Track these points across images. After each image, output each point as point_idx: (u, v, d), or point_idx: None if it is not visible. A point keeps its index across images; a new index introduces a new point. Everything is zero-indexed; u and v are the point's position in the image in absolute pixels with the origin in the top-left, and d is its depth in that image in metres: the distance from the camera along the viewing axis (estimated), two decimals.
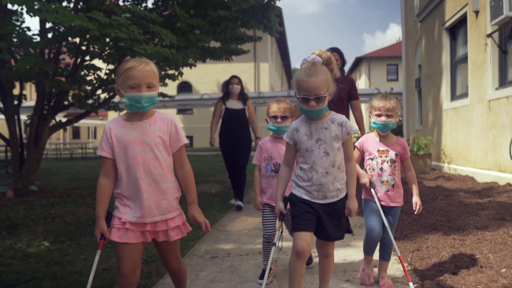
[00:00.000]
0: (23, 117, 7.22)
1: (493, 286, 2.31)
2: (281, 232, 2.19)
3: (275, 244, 2.15)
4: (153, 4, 6.22)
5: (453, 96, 8.83)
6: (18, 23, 6.03)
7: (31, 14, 3.88)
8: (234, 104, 5.26)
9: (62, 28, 4.53)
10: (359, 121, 4.40)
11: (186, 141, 2.00)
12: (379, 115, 2.41)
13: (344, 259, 3.09)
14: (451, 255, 2.90)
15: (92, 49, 5.66)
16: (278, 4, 5.40)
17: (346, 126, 2.04)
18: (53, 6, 3.89)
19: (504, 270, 2.52)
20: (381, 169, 2.44)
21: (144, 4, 6.28)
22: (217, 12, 4.91)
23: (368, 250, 2.55)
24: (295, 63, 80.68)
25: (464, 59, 8.13)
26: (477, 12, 7.23)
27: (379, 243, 2.52)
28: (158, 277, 2.76)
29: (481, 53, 7.13)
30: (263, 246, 2.74)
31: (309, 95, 1.93)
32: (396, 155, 2.46)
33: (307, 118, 2.06)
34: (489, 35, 6.79)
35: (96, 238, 1.87)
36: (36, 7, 4.00)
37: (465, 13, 7.81)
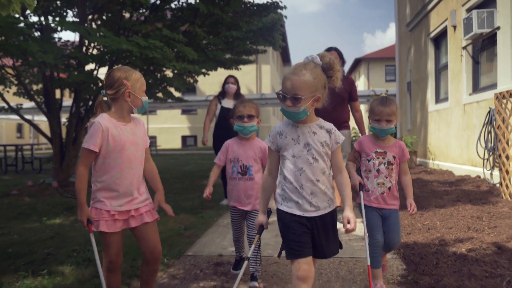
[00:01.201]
0: (62, 119, 8.25)
1: (432, 238, 3.34)
2: (259, 245, 2.11)
3: (248, 258, 2.07)
4: (171, 18, 7.24)
5: (437, 100, 9.85)
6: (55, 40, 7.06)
7: (85, 39, 4.89)
8: (229, 103, 5.11)
9: (105, 49, 5.55)
10: (360, 122, 4.50)
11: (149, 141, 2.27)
12: (378, 120, 2.34)
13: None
14: (410, 223, 3.93)
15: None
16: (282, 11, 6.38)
17: (335, 134, 1.89)
18: (101, 34, 4.92)
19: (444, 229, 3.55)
20: (378, 170, 2.36)
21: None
22: (230, 33, 5.94)
23: (378, 263, 2.38)
24: (295, 62, 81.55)
25: (446, 67, 9.14)
26: (454, 27, 8.24)
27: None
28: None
29: (458, 62, 8.15)
30: (234, 242, 2.86)
31: (287, 93, 1.80)
32: (394, 157, 2.40)
33: (293, 121, 1.91)
34: (464, 48, 7.81)
35: (83, 223, 1.97)
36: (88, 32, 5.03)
37: (446, 27, 8.83)
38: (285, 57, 39.68)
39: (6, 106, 7.13)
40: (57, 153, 7.04)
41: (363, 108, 17.71)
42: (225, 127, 4.79)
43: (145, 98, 2.14)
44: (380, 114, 2.35)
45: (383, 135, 2.39)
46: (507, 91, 4.90)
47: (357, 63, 39.53)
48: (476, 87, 7.73)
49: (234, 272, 2.79)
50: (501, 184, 4.91)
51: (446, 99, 9.08)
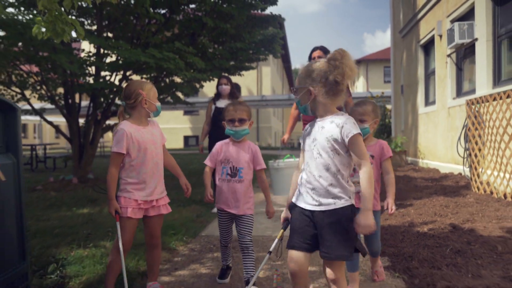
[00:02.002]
0: (80, 120, 8.96)
1: (403, 222, 4.04)
2: (281, 239, 2.07)
3: (270, 252, 2.07)
4: (179, 28, 7.94)
5: (426, 103, 10.54)
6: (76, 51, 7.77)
7: (105, 50, 5.59)
8: (224, 103, 5.00)
9: (122, 59, 6.26)
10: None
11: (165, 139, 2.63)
12: None
13: None
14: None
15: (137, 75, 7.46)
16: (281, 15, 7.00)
17: (345, 127, 1.78)
18: (121, 47, 5.62)
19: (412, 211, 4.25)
20: (354, 169, 2.19)
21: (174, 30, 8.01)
22: (235, 44, 6.65)
23: (354, 267, 2.38)
24: (295, 63, 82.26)
25: (434, 72, 9.83)
26: (440, 36, 8.93)
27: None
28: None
29: (444, 69, 8.85)
30: (221, 248, 2.78)
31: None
32: (372, 156, 2.40)
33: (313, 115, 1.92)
34: (449, 55, 8.50)
35: (111, 214, 2.33)
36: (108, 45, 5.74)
37: (433, 35, 9.52)
38: (285, 58, 40.21)
39: (30, 108, 7.85)
40: (76, 152, 7.74)
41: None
42: (221, 127, 4.52)
43: (158, 104, 2.47)
44: (352, 114, 2.39)
45: None
46: (475, 98, 5.59)
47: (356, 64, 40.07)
48: (460, 92, 8.42)
49: (220, 281, 2.70)
50: (471, 179, 5.60)
51: (434, 102, 9.77)
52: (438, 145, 9.23)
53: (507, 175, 4.68)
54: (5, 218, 2.19)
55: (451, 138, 8.39)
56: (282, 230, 2.03)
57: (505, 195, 4.79)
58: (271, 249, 2.06)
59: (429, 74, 10.37)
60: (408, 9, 11.75)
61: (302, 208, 1.85)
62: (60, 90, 8.32)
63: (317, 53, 4.16)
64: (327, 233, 1.77)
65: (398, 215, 4.42)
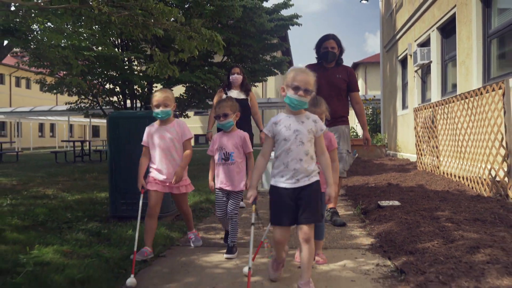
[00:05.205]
0: None
1: (362, 184, 6.58)
2: (257, 213, 2.51)
3: (254, 224, 2.46)
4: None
5: (403, 107, 13.06)
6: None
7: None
8: (236, 94, 4.98)
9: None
10: (360, 115, 4.19)
11: (190, 135, 3.14)
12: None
13: None
14: (358, 180, 7.17)
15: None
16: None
17: (319, 123, 2.29)
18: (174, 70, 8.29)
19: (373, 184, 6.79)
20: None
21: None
22: (253, 66, 9.21)
23: (321, 235, 2.84)
24: (297, 62, 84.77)
25: (407, 83, 12.37)
26: (410, 55, 11.47)
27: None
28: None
29: (412, 81, 11.38)
30: (219, 219, 3.24)
31: (301, 86, 2.19)
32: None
33: (287, 112, 2.31)
34: (416, 71, 11.04)
35: (139, 187, 3.00)
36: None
37: (406, 54, 12.06)
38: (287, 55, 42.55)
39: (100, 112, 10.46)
40: None
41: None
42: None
43: (155, 110, 3.06)
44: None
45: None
46: (417, 107, 8.13)
47: (355, 67, 41.57)
48: (424, 99, 10.95)
49: (225, 243, 3.28)
50: (417, 161, 8.17)
51: (407, 107, 12.30)
52: (409, 140, 11.76)
53: (435, 158, 7.20)
54: None
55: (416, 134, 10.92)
56: (254, 205, 2.46)
57: (432, 170, 7.32)
58: (253, 221, 2.50)
59: (405, 84, 12.90)
60: (390, 30, 14.28)
61: (284, 188, 2.25)
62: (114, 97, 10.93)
63: (330, 43, 4.06)
64: (306, 203, 2.21)
65: (362, 181, 6.96)
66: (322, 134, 2.30)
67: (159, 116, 3.06)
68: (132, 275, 2.53)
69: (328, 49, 4.09)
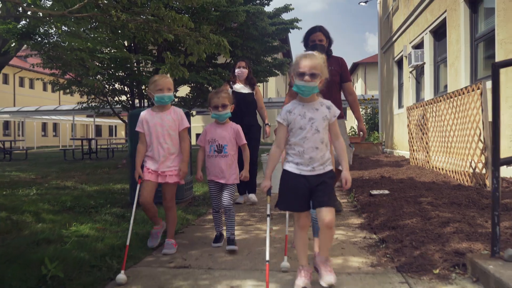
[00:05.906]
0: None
1: (358, 177, 7.10)
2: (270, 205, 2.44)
3: (269, 215, 2.38)
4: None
5: (399, 106, 13.58)
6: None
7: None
8: (241, 87, 4.92)
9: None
10: (354, 105, 4.10)
11: (187, 125, 3.01)
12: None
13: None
14: (355, 174, 7.69)
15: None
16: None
17: (332, 108, 2.27)
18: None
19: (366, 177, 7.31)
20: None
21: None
22: (256, 67, 9.71)
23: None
24: None
25: (403, 83, 12.88)
26: (406, 57, 11.99)
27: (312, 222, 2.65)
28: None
29: (408, 81, 11.90)
30: (213, 214, 3.21)
31: (306, 71, 2.15)
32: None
33: (300, 100, 2.27)
34: (411, 72, 11.56)
35: (136, 177, 2.93)
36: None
37: (402, 55, 12.58)
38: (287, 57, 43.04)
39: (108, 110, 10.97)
40: None
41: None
42: (238, 112, 3.87)
43: (157, 94, 2.90)
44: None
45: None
46: (410, 106, 8.65)
47: (354, 67, 42.06)
48: (418, 99, 11.47)
49: (214, 245, 3.12)
50: (410, 157, 8.68)
51: (403, 106, 12.81)
52: (405, 138, 12.26)
53: (425, 153, 7.72)
54: None
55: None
56: (268, 196, 2.41)
57: (423, 165, 7.85)
58: (268, 213, 2.40)
59: (401, 84, 13.42)
60: (387, 32, 14.80)
61: (300, 175, 2.22)
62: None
63: (318, 36, 3.91)
64: (324, 189, 2.20)
65: (358, 174, 7.48)
66: (335, 120, 2.29)
67: (164, 100, 2.92)
68: (122, 271, 2.43)
69: (315, 42, 3.92)
